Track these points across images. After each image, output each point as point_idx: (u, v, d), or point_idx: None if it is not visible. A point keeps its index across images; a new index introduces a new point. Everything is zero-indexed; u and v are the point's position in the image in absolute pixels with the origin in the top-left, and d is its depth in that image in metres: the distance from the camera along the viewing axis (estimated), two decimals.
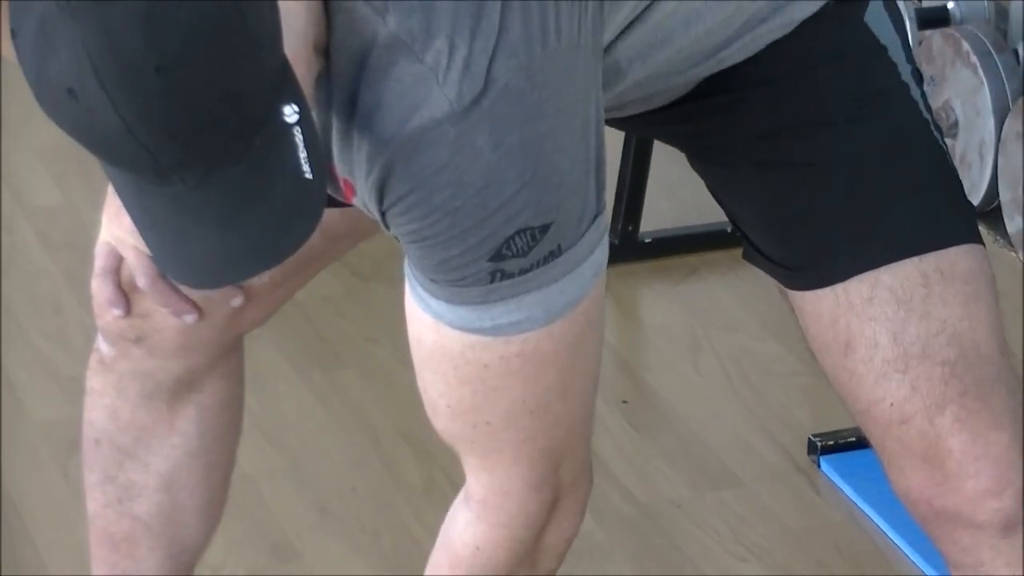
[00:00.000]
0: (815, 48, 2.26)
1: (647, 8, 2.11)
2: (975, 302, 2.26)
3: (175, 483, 2.59)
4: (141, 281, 2.28)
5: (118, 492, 2.60)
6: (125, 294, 2.40)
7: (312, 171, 1.84)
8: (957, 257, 2.26)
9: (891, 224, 2.26)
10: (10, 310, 3.76)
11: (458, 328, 2.00)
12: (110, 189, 2.02)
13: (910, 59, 2.32)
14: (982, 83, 3.03)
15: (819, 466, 3.45)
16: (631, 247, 3.92)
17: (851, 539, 3.32)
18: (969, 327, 2.25)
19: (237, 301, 2.36)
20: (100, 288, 2.40)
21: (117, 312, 2.41)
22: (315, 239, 2.18)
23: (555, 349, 2.04)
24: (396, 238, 2.00)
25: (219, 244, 1.87)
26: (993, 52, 3.04)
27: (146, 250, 2.00)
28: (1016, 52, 3.09)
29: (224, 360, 2.55)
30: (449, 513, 2.23)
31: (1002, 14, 3.16)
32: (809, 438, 3.47)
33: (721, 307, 3.81)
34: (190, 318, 2.36)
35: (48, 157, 4.14)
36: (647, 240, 3.92)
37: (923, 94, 2.31)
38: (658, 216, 3.89)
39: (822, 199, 2.27)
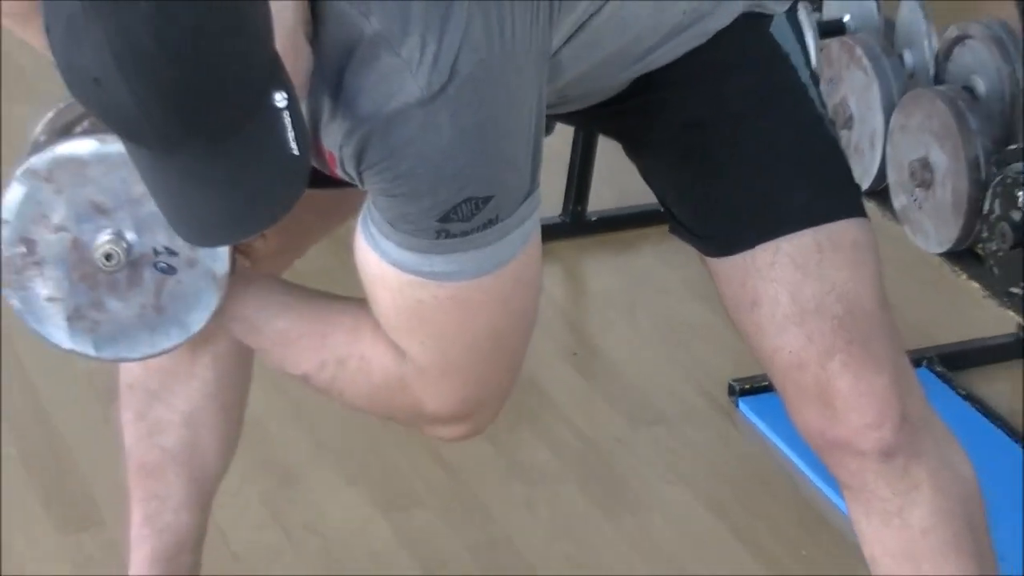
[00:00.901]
0: (727, 55, 2.27)
1: (583, 23, 2.15)
2: (860, 266, 2.28)
3: (196, 420, 2.60)
4: None
5: (148, 428, 2.61)
6: None
7: (298, 148, 1.86)
8: (845, 229, 2.28)
9: (790, 201, 2.28)
10: None
11: (400, 268, 2.02)
12: None
13: (808, 64, 2.33)
14: (873, 83, 3.06)
15: (737, 406, 3.49)
16: (579, 224, 3.98)
17: (764, 468, 3.36)
18: (855, 288, 2.26)
19: (246, 265, 2.36)
20: None
21: None
22: (308, 215, 2.22)
23: (484, 300, 2.07)
24: (367, 191, 2.01)
25: (219, 207, 1.90)
26: (882, 56, 3.08)
27: None
28: (901, 56, 3.12)
29: None
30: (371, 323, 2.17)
31: (890, 24, 3.20)
32: (729, 382, 3.51)
33: (654, 274, 3.81)
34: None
35: None
36: (593, 218, 3.99)
37: (819, 93, 2.32)
38: (602, 198, 3.94)
39: (733, 181, 2.29)
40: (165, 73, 1.77)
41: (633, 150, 2.40)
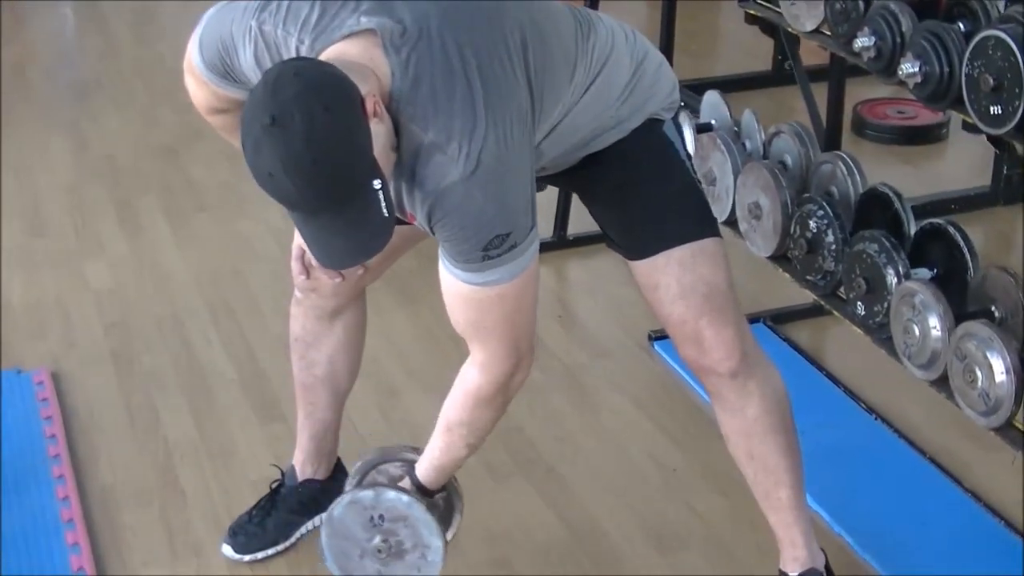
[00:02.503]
0: (638, 144, 2.33)
1: (555, 126, 2.16)
2: (716, 265, 2.33)
3: (334, 359, 2.65)
4: (314, 263, 2.27)
5: (307, 364, 2.66)
6: (307, 268, 2.45)
7: (388, 212, 1.92)
8: (708, 243, 2.33)
9: (676, 228, 2.32)
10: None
11: (464, 281, 2.06)
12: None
13: (684, 148, 2.38)
14: (727, 159, 3.06)
15: (653, 346, 3.44)
16: (563, 241, 3.92)
17: (669, 383, 3.30)
18: (713, 277, 2.32)
19: (360, 271, 2.41)
20: (294, 265, 2.46)
21: (302, 276, 2.46)
22: (396, 241, 2.23)
23: (513, 293, 2.10)
24: (437, 238, 2.06)
25: (342, 247, 1.97)
26: (732, 144, 3.07)
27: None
28: (744, 144, 3.11)
29: (356, 300, 2.62)
30: (460, 371, 2.24)
31: (738, 124, 3.18)
32: (648, 332, 3.46)
33: (606, 271, 3.77)
34: (337, 279, 2.41)
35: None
36: (571, 237, 3.91)
37: (691, 166, 2.37)
38: (577, 224, 3.86)
39: (643, 216, 2.34)
40: (310, 169, 1.85)
41: (582, 198, 2.50)
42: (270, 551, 2.71)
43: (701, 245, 2.29)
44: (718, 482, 2.89)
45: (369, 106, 1.89)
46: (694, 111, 3.23)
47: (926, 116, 4.59)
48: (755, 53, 5.08)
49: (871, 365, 3.05)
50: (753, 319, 3.47)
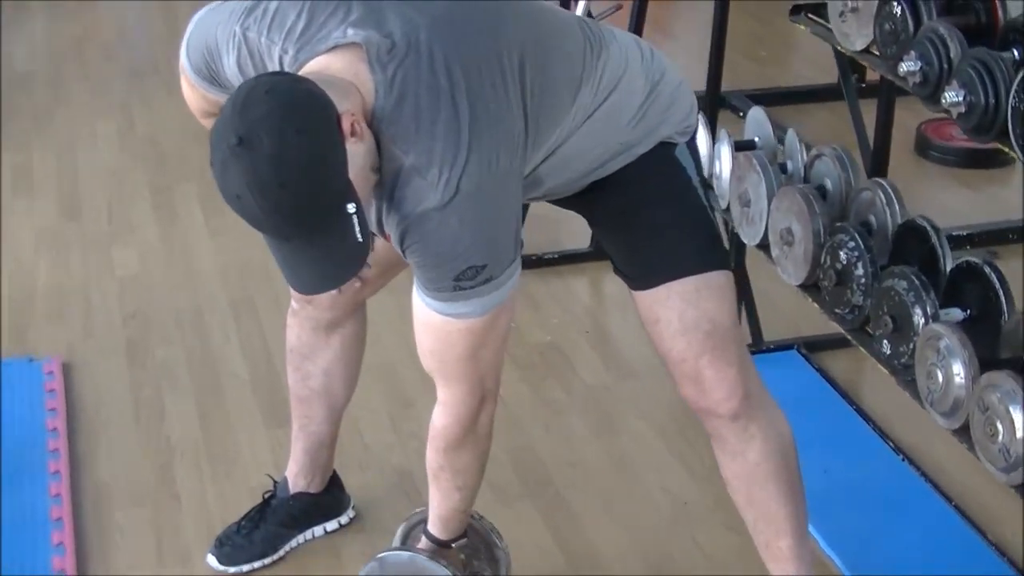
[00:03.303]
0: (646, 168, 2.24)
1: (554, 151, 2.07)
2: (722, 300, 2.24)
3: (329, 372, 2.60)
4: None
5: (302, 375, 2.62)
6: None
7: (362, 236, 1.84)
8: (714, 277, 2.23)
9: (680, 259, 2.22)
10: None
11: (433, 310, 1.98)
12: None
13: (699, 172, 2.29)
14: (761, 181, 2.94)
15: None
16: (600, 251, 3.71)
17: None
18: (718, 313, 2.23)
19: (357, 285, 2.33)
20: None
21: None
22: (390, 257, 2.17)
23: (482, 327, 2.02)
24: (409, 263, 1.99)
25: (312, 272, 1.90)
26: (768, 165, 2.96)
27: None
28: (783, 165, 3.00)
29: (355, 313, 2.57)
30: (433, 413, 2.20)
31: (782, 142, 3.07)
32: None
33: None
34: (334, 293, 2.33)
35: None
36: None
37: (705, 192, 2.29)
38: None
39: (646, 245, 2.26)
40: (278, 193, 1.79)
41: (589, 222, 2.43)
42: (256, 564, 2.65)
43: (706, 278, 2.20)
44: (729, 518, 2.75)
45: (346, 125, 1.81)
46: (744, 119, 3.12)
47: None
48: (825, 64, 4.93)
49: (904, 402, 2.90)
50: (786, 346, 3.37)
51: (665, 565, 2.69)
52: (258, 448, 3.01)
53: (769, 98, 4.58)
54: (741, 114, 4.40)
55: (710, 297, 2.19)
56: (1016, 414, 2.26)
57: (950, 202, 4.16)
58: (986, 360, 2.41)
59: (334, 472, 2.72)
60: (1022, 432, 2.25)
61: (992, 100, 2.50)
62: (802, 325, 3.39)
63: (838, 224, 2.76)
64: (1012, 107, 2.44)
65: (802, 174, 2.99)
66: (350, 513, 2.76)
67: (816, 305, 2.84)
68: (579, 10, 3.50)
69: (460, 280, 1.93)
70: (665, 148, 2.22)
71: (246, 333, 3.46)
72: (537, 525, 2.80)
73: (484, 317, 1.98)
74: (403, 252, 1.95)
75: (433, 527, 2.32)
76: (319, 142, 1.77)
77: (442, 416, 2.14)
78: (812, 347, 3.38)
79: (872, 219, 2.81)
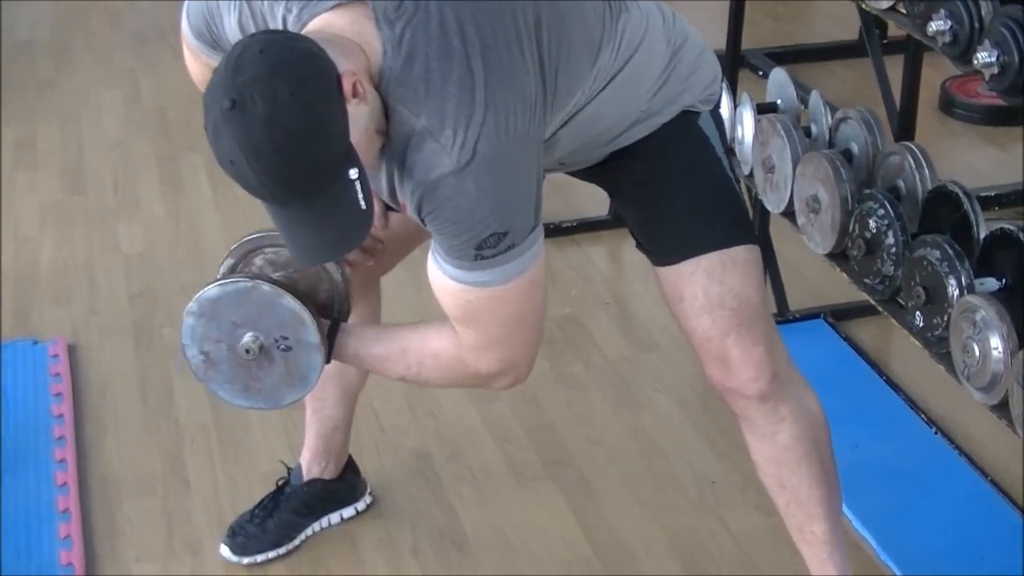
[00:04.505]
0: (667, 138, 2.15)
1: (573, 116, 1.97)
2: (748, 276, 2.15)
3: None
4: None
5: None
6: None
7: (365, 204, 1.75)
8: (740, 251, 2.14)
9: (704, 233, 2.14)
10: None
11: (455, 280, 1.90)
12: None
13: (723, 142, 2.20)
14: (786, 146, 2.85)
15: None
16: (618, 219, 3.61)
17: None
18: (744, 290, 2.14)
19: (371, 262, 2.25)
20: None
21: None
22: (404, 233, 2.07)
23: (510, 296, 1.93)
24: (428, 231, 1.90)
25: (315, 240, 1.81)
26: (792, 130, 2.86)
27: None
28: (808, 129, 2.90)
29: (368, 292, 2.49)
30: (438, 323, 2.02)
31: (805, 104, 2.96)
32: None
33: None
34: (348, 269, 2.22)
35: None
36: None
37: (729, 162, 2.20)
38: None
39: (669, 218, 2.16)
40: (272, 158, 1.69)
41: (610, 195, 2.36)
42: (270, 554, 2.57)
43: (732, 253, 2.11)
44: (758, 498, 2.68)
45: (347, 86, 1.71)
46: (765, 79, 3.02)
47: None
48: (846, 20, 4.82)
49: (937, 373, 2.81)
50: (813, 315, 3.28)
51: (694, 551, 2.62)
52: (269, 430, 2.93)
53: (789, 56, 4.47)
54: (761, 73, 4.29)
55: (736, 273, 2.11)
56: None
57: (976, 162, 4.05)
58: (1022, 332, 2.32)
59: (349, 457, 2.64)
60: None
61: None
62: (828, 293, 3.29)
63: (867, 191, 2.66)
64: None
65: (827, 138, 2.89)
66: (367, 499, 2.68)
67: (844, 275, 2.75)
68: None
69: (482, 248, 1.84)
70: (688, 117, 2.13)
71: None
72: (560, 509, 2.73)
73: (508, 285, 1.89)
74: (422, 221, 1.87)
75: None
76: (316, 104, 1.68)
77: (456, 351, 2.00)
78: (839, 315, 3.29)
79: (900, 184, 2.71)
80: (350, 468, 2.64)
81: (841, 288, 3.23)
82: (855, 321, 3.28)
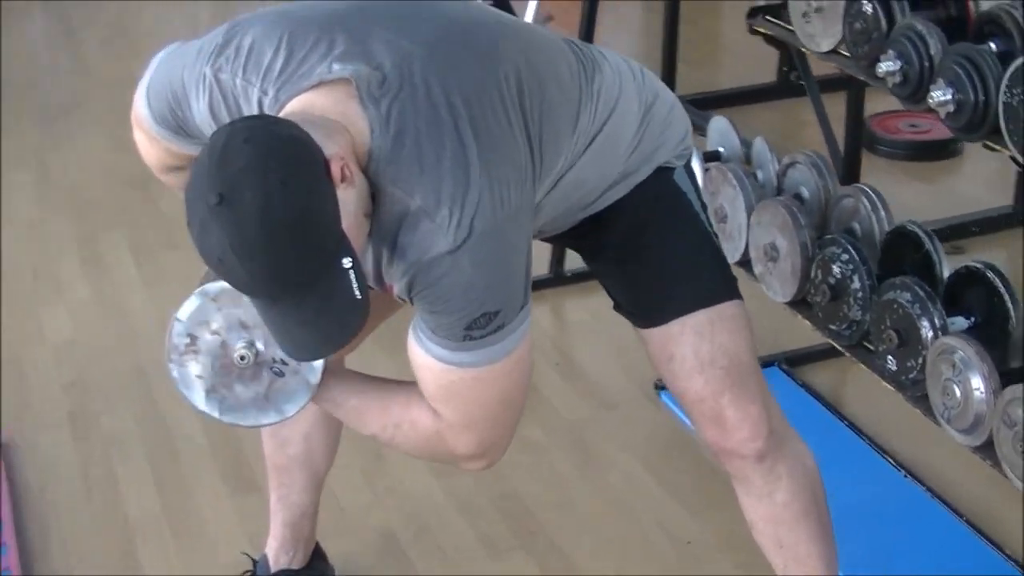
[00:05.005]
0: (645, 196, 2.09)
1: (556, 182, 1.90)
2: (737, 332, 2.10)
3: (309, 437, 2.44)
4: None
5: (280, 442, 2.46)
6: None
7: (360, 292, 1.66)
8: (727, 307, 2.10)
9: (689, 291, 2.09)
10: None
11: (438, 359, 1.81)
12: None
13: (699, 197, 2.15)
14: (739, 194, 2.82)
15: (660, 396, 3.18)
16: (560, 278, 3.66)
17: (679, 439, 3.03)
18: (734, 346, 2.09)
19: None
20: None
21: None
22: (384, 306, 1.98)
23: (495, 377, 1.85)
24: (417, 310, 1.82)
25: (309, 335, 1.71)
26: (743, 177, 2.83)
27: None
28: (755, 174, 2.86)
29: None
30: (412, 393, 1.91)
31: (749, 150, 2.93)
32: (654, 381, 3.20)
33: (608, 311, 3.57)
34: None
35: None
36: (568, 274, 3.65)
37: (707, 217, 2.16)
38: (575, 258, 3.63)
39: (650, 278, 2.11)
40: (265, 254, 1.61)
41: (585, 259, 2.28)
42: None
43: (720, 310, 2.06)
44: (738, 556, 2.63)
45: (335, 171, 1.63)
46: (698, 130, 2.99)
47: (941, 130, 4.31)
48: (759, 62, 4.83)
49: (899, 412, 2.79)
50: (766, 363, 3.23)
51: None
52: (225, 518, 2.83)
53: (711, 102, 4.46)
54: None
55: (724, 329, 2.05)
56: None
57: (903, 197, 4.05)
58: (1000, 372, 2.30)
59: (316, 544, 2.53)
60: None
61: (982, 96, 2.39)
62: (781, 340, 3.26)
63: (828, 236, 2.63)
64: (1004, 103, 2.33)
65: (774, 184, 2.86)
66: None
67: (807, 322, 2.71)
68: (528, 16, 3.34)
69: (471, 328, 1.77)
70: (664, 173, 2.09)
71: None
72: None
73: (494, 366, 1.82)
74: (410, 300, 1.79)
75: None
76: (308, 193, 1.61)
77: (433, 424, 1.89)
78: (792, 362, 3.26)
79: (856, 227, 2.69)
80: (317, 555, 2.54)
81: (792, 335, 3.22)
82: (810, 366, 3.25)
